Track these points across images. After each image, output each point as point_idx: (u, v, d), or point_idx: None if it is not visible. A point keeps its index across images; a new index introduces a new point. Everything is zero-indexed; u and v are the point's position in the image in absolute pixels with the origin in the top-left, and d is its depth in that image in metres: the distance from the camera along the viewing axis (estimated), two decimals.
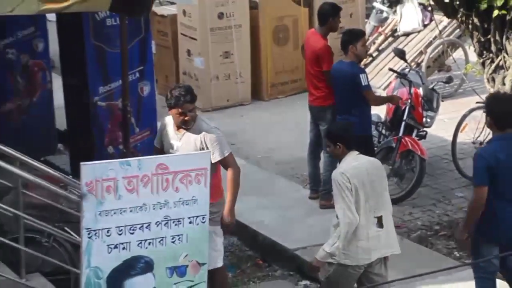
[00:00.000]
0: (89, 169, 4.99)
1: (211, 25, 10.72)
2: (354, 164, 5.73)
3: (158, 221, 5.12)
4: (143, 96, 8.27)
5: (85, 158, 6.25)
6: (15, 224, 6.09)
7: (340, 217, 5.62)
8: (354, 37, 7.84)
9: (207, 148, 6.16)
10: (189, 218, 5.18)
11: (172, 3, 11.36)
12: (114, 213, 5.02)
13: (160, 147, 6.48)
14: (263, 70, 11.14)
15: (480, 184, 5.64)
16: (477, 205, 5.64)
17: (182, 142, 6.23)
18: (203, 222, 5.21)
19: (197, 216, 5.19)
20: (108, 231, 5.00)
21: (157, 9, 10.67)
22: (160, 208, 5.12)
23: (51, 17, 8.93)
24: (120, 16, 7.41)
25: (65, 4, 6.85)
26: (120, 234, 5.03)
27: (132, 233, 5.06)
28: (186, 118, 6.17)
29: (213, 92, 10.91)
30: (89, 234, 4.97)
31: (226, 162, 6.26)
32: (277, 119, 10.58)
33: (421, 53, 11.35)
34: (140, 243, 5.07)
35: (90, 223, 4.97)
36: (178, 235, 5.16)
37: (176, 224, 5.15)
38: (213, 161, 6.06)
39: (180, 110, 6.15)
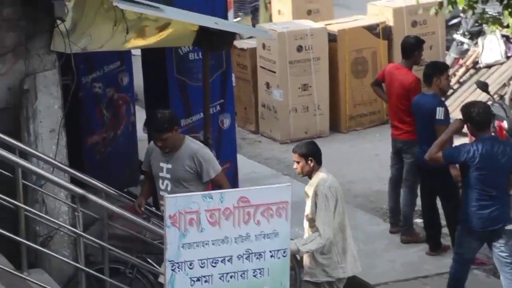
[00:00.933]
0: (173, 202, 5.04)
1: (290, 58, 10.76)
2: (333, 179, 6.08)
3: (239, 255, 5.12)
4: (224, 128, 8.36)
5: None
6: (101, 255, 6.19)
7: (321, 231, 5.90)
8: (438, 70, 7.77)
9: (199, 168, 6.24)
10: (270, 251, 5.16)
11: (252, 37, 11.46)
12: (197, 246, 5.04)
13: (149, 171, 6.55)
14: (341, 102, 11.10)
15: (453, 161, 6.69)
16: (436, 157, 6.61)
17: (172, 164, 6.31)
18: (284, 256, 5.19)
19: (278, 250, 5.17)
20: (190, 264, 5.03)
21: (237, 42, 10.76)
22: (242, 242, 5.12)
23: (136, 51, 9.12)
24: (203, 50, 7.52)
25: (151, 40, 7.01)
26: (202, 267, 5.05)
27: (214, 266, 5.07)
28: (158, 144, 6.30)
29: (292, 124, 10.92)
30: (172, 266, 5.00)
31: (217, 180, 6.35)
32: (355, 151, 10.50)
33: (504, 85, 11.12)
34: (222, 276, 5.08)
35: (173, 255, 5.00)
36: (259, 269, 5.14)
37: (257, 258, 5.14)
38: (205, 180, 6.27)
39: (160, 138, 6.25)
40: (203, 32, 7.20)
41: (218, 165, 6.40)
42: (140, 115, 9.15)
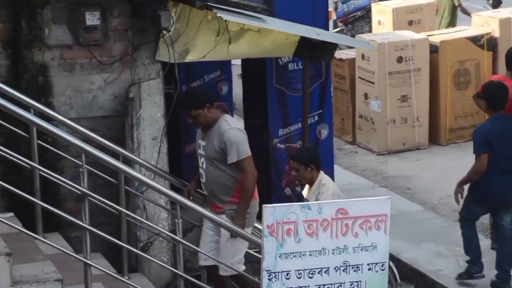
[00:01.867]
0: (271, 212, 5.12)
1: (389, 69, 10.74)
2: (335, 184, 5.96)
3: (336, 266, 5.16)
4: (321, 139, 8.41)
5: (262, 198, 6.47)
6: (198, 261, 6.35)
7: None
8: None
9: (225, 149, 6.12)
10: (368, 264, 5.18)
11: (351, 47, 11.49)
12: (294, 256, 5.11)
13: None
14: (441, 114, 11.00)
15: (480, 152, 7.08)
16: (479, 170, 7.10)
17: (206, 142, 6.27)
18: (382, 269, 5.20)
19: (377, 263, 5.19)
20: (287, 274, 5.10)
21: (336, 52, 10.80)
22: (339, 253, 5.16)
23: (236, 61, 9.29)
24: (304, 61, 7.61)
25: (252, 50, 7.15)
26: (299, 278, 5.11)
27: (311, 277, 5.13)
28: (189, 121, 6.30)
29: (389, 136, 10.89)
30: (269, 276, 5.08)
31: (240, 165, 6.17)
32: (455, 164, 10.36)
33: None
34: (319, 287, 5.13)
35: (270, 265, 5.09)
36: (356, 282, 5.17)
37: (355, 270, 5.17)
38: (228, 162, 6.14)
39: (189, 115, 6.24)
40: (305, 43, 7.29)
41: (245, 150, 6.14)
42: None
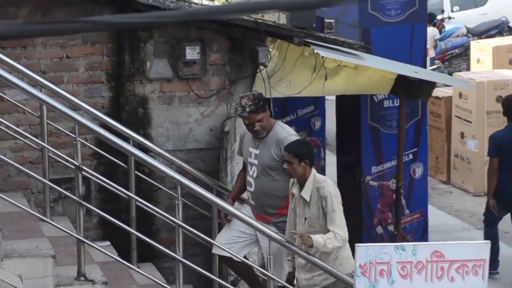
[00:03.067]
0: (364, 251, 5.14)
1: (488, 108, 10.62)
2: (328, 179, 5.81)
3: None
4: (415, 178, 8.38)
5: (353, 237, 6.49)
6: None
7: (340, 233, 5.62)
8: None
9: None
10: None
11: (448, 85, 11.42)
12: None
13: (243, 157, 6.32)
14: None
15: (492, 156, 8.01)
16: (491, 171, 8.02)
17: (260, 150, 6.06)
18: None
19: None
20: None
21: None
22: None
23: (330, 96, 9.38)
24: (400, 98, 7.63)
25: (348, 87, 7.23)
26: None
27: None
28: (255, 129, 5.99)
29: (486, 176, 10.71)
30: None
31: None
32: None
33: None
34: None
35: None
36: None
37: None
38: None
39: (246, 121, 6.01)
40: (402, 80, 7.32)
41: None
42: (330, 160, 9.37)
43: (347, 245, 5.79)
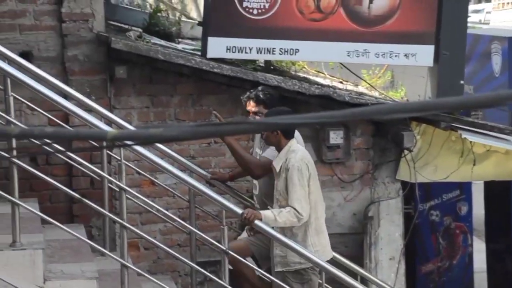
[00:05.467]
0: None
1: None
2: (305, 151, 5.55)
3: None
4: None
5: None
6: None
7: (297, 207, 5.40)
8: None
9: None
10: None
11: None
12: None
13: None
14: None
15: None
16: None
17: (263, 151, 5.88)
18: None
19: None
20: None
21: None
22: None
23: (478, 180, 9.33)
24: None
25: (498, 172, 7.22)
26: None
27: None
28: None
29: None
30: None
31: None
32: None
33: None
34: None
35: None
36: None
37: None
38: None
39: (245, 107, 5.87)
40: None
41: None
42: (478, 247, 9.26)
43: (326, 233, 5.70)
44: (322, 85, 7.23)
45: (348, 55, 7.12)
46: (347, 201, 7.01)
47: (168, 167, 5.55)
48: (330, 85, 7.49)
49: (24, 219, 4.98)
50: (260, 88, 6.03)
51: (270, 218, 5.45)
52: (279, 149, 5.59)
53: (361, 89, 8.01)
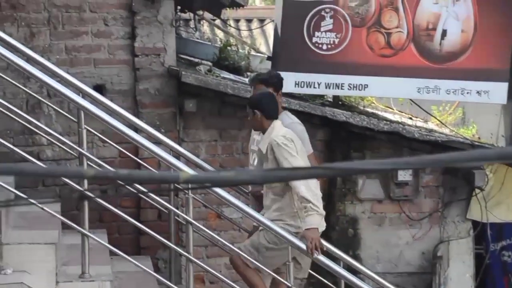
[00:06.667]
0: None
1: None
2: (289, 130, 5.51)
3: None
4: None
5: None
6: None
7: (304, 187, 5.26)
8: None
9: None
10: None
11: None
12: None
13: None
14: None
15: None
16: None
17: (261, 136, 5.74)
18: None
19: None
20: None
21: None
22: None
23: None
24: None
25: None
26: None
27: None
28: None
29: None
30: None
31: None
32: None
33: None
34: None
35: None
36: None
37: None
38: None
39: (253, 91, 5.86)
40: None
41: (309, 147, 5.84)
42: None
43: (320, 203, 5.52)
44: (391, 121, 7.24)
45: (418, 91, 7.14)
46: (415, 240, 6.98)
47: (234, 201, 5.63)
48: (399, 121, 7.50)
49: (93, 250, 5.11)
50: (266, 71, 6.15)
51: (314, 220, 5.38)
52: (263, 131, 5.58)
53: (431, 125, 7.99)
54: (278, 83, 5.92)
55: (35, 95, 6.07)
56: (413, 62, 7.11)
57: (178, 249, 5.57)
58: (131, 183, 5.04)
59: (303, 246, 5.39)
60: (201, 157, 6.67)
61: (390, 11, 7.09)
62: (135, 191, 5.62)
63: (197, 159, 6.27)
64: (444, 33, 7.11)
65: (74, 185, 5.11)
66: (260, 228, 5.58)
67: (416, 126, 7.39)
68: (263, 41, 11.49)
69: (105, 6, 6.64)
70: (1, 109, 5.55)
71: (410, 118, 8.12)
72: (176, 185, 5.54)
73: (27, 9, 6.52)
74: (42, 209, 4.91)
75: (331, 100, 7.43)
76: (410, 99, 7.72)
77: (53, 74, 5.55)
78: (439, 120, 8.12)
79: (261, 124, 5.55)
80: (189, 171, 5.36)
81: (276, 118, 5.59)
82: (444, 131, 7.71)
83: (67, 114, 6.18)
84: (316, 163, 5.71)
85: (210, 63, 7.50)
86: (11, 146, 5.18)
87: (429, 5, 7.10)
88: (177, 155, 6.02)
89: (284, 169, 2.35)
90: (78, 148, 5.15)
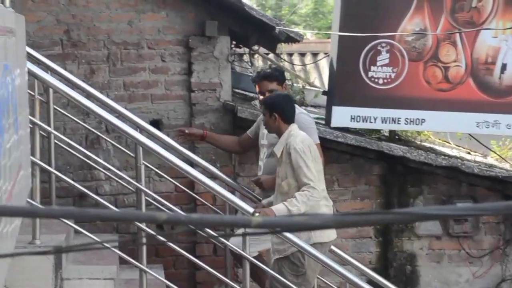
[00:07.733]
0: None
1: None
2: (306, 135, 5.42)
3: None
4: None
5: None
6: None
7: (309, 182, 5.23)
8: None
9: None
10: None
11: None
12: None
13: (252, 136, 6.13)
14: None
15: None
16: None
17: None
18: None
19: None
20: None
21: None
22: None
23: None
24: None
25: None
26: None
27: None
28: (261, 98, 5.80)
29: None
30: None
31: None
32: None
33: None
34: None
35: None
36: None
37: None
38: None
39: (257, 88, 5.90)
40: None
41: (315, 137, 5.81)
42: None
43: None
44: (449, 156, 7.21)
45: (477, 126, 7.10)
46: (476, 278, 6.91)
47: (292, 238, 5.64)
48: (457, 156, 7.46)
49: (150, 285, 5.16)
50: (268, 66, 6.14)
51: (283, 211, 5.25)
52: (279, 134, 5.50)
53: (490, 160, 7.93)
54: (280, 76, 6.02)
55: (94, 130, 6.20)
56: (471, 96, 7.09)
57: (234, 285, 5.59)
58: (202, 228, 5.11)
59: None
60: (256, 191, 6.70)
61: (448, 45, 7.09)
62: (205, 235, 5.70)
63: (253, 193, 6.31)
64: (504, 67, 7.09)
65: (147, 229, 5.17)
66: (272, 263, 5.57)
67: (475, 161, 7.35)
68: (317, 75, 11.54)
69: (163, 42, 6.76)
70: (61, 144, 5.68)
71: (469, 153, 8.07)
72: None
73: (87, 46, 6.67)
74: (103, 245, 4.98)
75: (387, 134, 7.43)
76: (469, 134, 7.68)
77: (111, 110, 5.67)
78: (498, 155, 8.06)
79: (278, 127, 5.49)
80: (250, 209, 5.39)
81: (293, 121, 5.53)
82: (505, 166, 7.65)
83: (124, 149, 6.30)
84: (321, 154, 5.66)
85: None
86: (71, 181, 5.27)
87: (488, 38, 7.09)
88: (232, 190, 6.07)
89: (358, 213, 2.34)
90: (135, 183, 5.22)
